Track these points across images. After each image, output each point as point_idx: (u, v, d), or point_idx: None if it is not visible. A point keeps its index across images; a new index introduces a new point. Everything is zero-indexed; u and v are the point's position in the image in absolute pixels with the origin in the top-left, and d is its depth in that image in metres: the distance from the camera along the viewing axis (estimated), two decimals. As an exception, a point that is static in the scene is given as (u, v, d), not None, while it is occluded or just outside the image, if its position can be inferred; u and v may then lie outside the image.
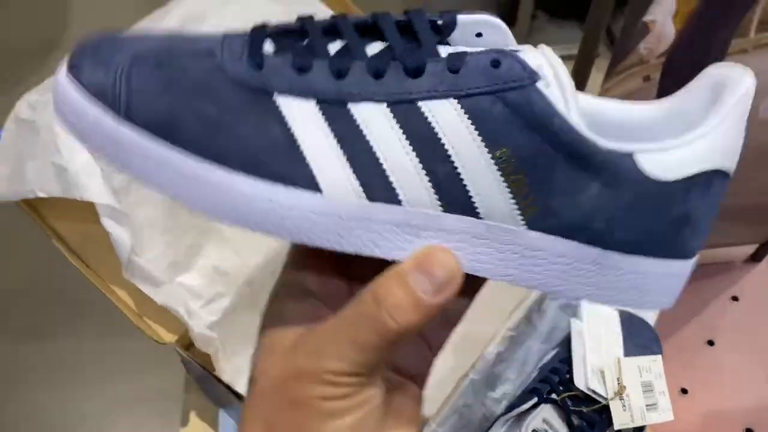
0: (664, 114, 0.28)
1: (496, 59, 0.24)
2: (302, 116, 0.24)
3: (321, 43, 0.25)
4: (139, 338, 0.55)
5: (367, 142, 0.24)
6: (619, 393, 0.48)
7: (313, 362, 0.24)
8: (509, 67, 0.24)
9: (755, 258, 0.75)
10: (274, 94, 0.24)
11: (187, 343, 0.52)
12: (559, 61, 0.25)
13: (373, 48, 0.25)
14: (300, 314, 0.26)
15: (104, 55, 0.24)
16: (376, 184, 0.24)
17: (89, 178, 0.45)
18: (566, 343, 0.52)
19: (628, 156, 0.25)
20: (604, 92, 0.83)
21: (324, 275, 0.28)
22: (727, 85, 0.26)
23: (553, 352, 0.53)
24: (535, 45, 0.25)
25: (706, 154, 0.25)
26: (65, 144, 0.45)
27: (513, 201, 0.25)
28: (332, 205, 0.24)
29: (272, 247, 0.53)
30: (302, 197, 0.24)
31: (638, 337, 0.53)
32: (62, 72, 0.24)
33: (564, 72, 0.24)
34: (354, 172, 0.24)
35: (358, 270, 0.27)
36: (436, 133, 0.24)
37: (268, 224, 0.24)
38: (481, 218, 0.25)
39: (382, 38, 0.25)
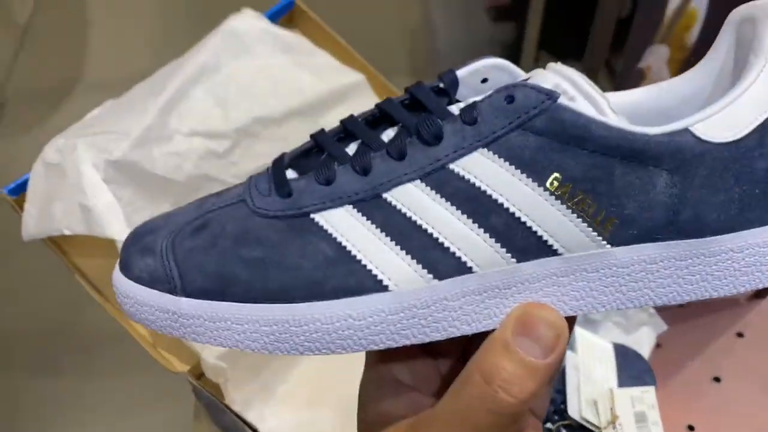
0: (703, 76, 0.27)
1: (509, 95, 0.23)
2: (344, 223, 0.23)
3: (338, 151, 0.25)
4: (147, 372, 0.57)
5: (414, 222, 0.23)
6: (612, 422, 0.49)
7: None
8: (524, 97, 0.23)
9: (760, 294, 0.75)
10: (310, 214, 0.24)
11: (198, 373, 0.54)
12: (575, 71, 0.24)
13: (388, 134, 0.25)
14: (402, 408, 0.25)
15: (146, 242, 0.25)
16: (439, 260, 0.23)
17: (112, 217, 0.48)
18: (561, 374, 0.53)
19: (685, 132, 0.23)
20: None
21: (411, 359, 0.26)
22: (758, 19, 0.24)
23: (550, 384, 0.55)
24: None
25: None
26: (90, 185, 0.48)
27: (585, 224, 0.23)
28: (404, 298, 0.23)
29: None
30: (373, 301, 0.23)
31: (631, 369, 0.54)
32: (116, 273, 0.25)
33: (584, 79, 0.24)
34: (413, 257, 0.23)
35: (442, 344, 0.25)
36: (479, 188, 0.23)
37: (350, 342, 0.23)
38: (559, 254, 0.24)
39: (392, 123, 0.25)
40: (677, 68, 0.80)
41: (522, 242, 0.23)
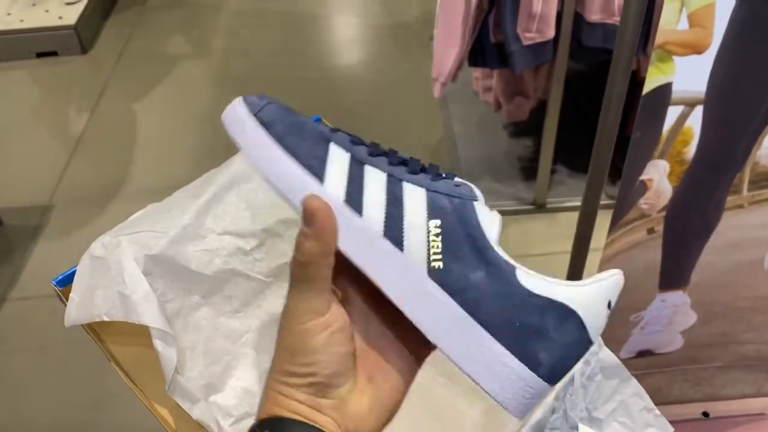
0: None
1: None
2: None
3: None
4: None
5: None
6: None
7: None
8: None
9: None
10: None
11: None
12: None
13: None
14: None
15: None
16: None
17: (147, 306, 0.53)
18: (564, 472, 0.55)
19: (512, 266, 0.35)
20: (609, 243, 0.90)
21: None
22: None
23: (552, 481, 0.56)
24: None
25: (569, 292, 0.34)
26: (130, 276, 0.54)
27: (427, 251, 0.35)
28: None
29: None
30: None
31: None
32: None
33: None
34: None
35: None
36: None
37: None
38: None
39: None
40: (678, 180, 0.85)
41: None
